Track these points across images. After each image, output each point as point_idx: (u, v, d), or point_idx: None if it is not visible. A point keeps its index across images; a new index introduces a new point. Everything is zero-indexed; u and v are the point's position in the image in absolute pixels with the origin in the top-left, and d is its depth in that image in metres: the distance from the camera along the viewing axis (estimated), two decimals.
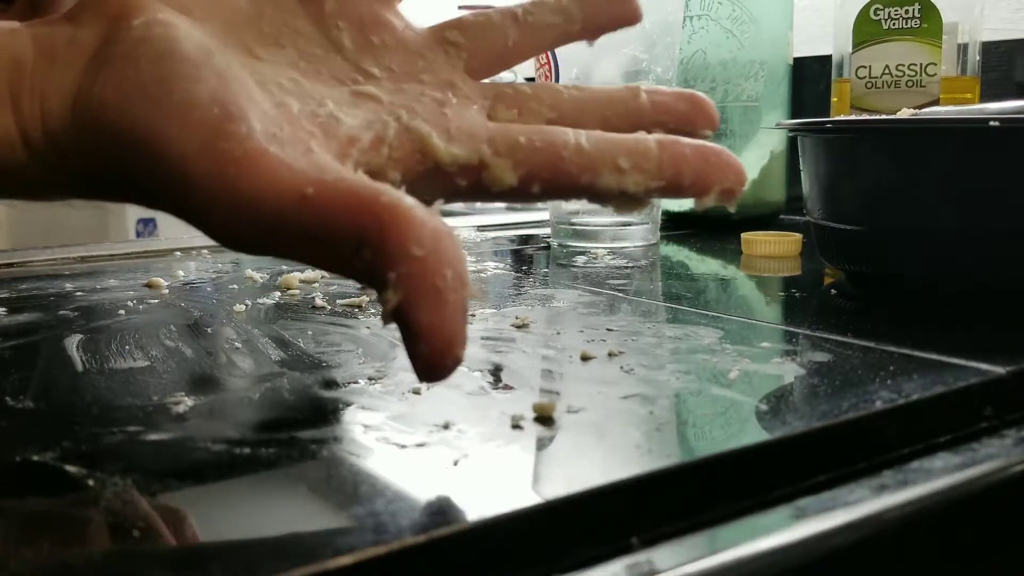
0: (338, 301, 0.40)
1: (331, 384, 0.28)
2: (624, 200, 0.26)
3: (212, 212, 0.22)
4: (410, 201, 0.21)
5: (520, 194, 0.25)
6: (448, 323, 0.20)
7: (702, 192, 0.26)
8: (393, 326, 0.21)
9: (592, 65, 0.55)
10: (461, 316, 0.21)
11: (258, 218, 0.22)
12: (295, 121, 0.24)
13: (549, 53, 0.56)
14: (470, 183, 0.25)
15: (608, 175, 0.25)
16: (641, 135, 0.26)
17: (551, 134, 0.25)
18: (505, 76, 1.01)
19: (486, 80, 0.29)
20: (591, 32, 0.30)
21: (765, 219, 0.68)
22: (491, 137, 0.25)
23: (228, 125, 0.22)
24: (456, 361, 0.21)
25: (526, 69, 0.80)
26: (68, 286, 0.46)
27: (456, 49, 0.28)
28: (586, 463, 0.21)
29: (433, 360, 0.21)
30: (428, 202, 0.28)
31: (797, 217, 0.67)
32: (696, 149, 0.26)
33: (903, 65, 0.58)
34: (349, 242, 0.21)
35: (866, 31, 0.59)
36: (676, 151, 0.25)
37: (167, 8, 0.25)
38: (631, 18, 0.30)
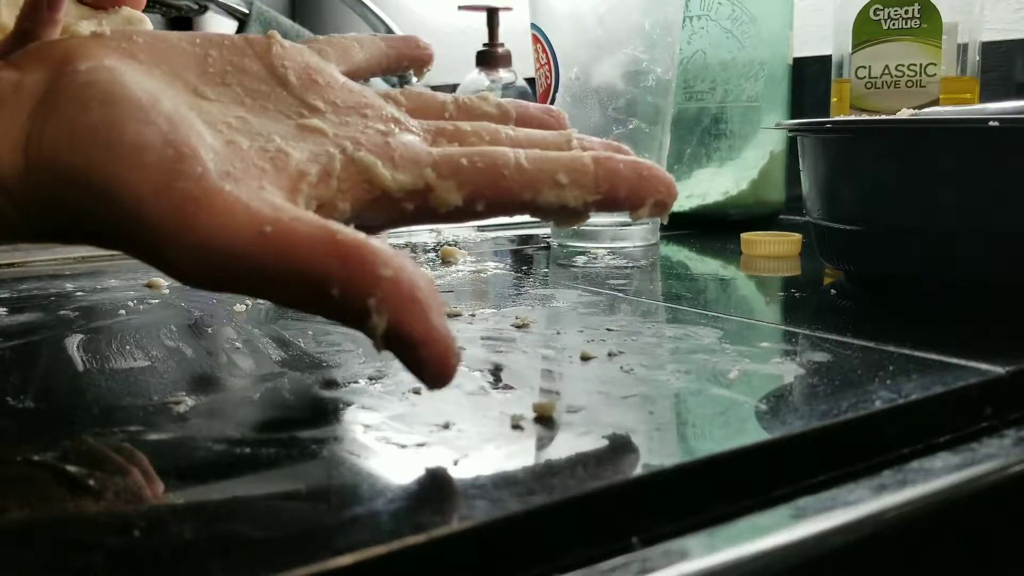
0: None
1: (331, 384, 0.28)
2: (565, 214, 0.27)
3: (169, 252, 0.22)
4: (363, 235, 0.22)
5: (466, 213, 0.27)
6: (440, 326, 0.21)
7: (637, 205, 0.27)
8: None
9: (592, 65, 0.55)
10: (445, 318, 0.22)
11: (217, 257, 0.22)
12: (246, 158, 0.24)
13: (549, 54, 0.56)
14: (417, 207, 0.26)
15: (548, 191, 0.26)
16: (577, 152, 0.27)
17: (491, 155, 0.27)
18: (505, 76, 1.00)
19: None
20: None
21: (765, 219, 0.68)
22: (434, 162, 0.26)
23: (183, 165, 0.22)
24: (458, 359, 0.22)
25: (526, 69, 0.81)
26: (68, 286, 0.46)
27: (396, 102, 0.30)
28: (586, 463, 0.21)
29: (439, 364, 0.21)
30: (377, 229, 0.29)
31: (797, 217, 0.67)
32: (629, 164, 0.27)
33: (903, 65, 0.58)
34: (313, 281, 0.21)
35: (866, 31, 0.59)
36: (610, 166, 0.27)
37: (112, 53, 0.25)
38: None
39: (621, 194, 0.27)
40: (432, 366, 0.21)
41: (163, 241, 0.22)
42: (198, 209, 0.22)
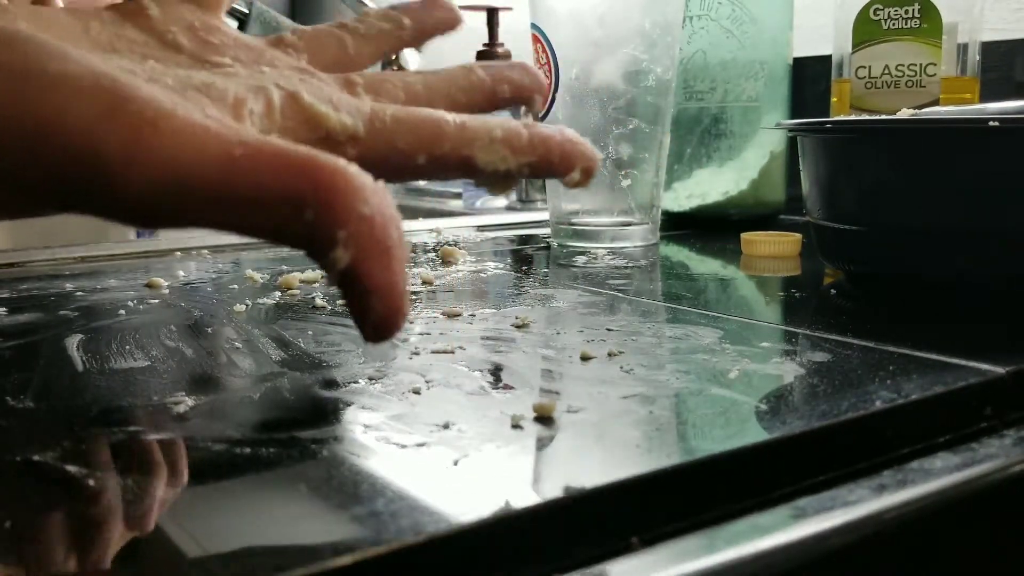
0: (338, 301, 0.40)
1: (331, 384, 0.28)
2: (499, 177, 0.27)
3: (122, 183, 0.20)
4: (344, 161, 0.20)
5: (406, 168, 0.26)
6: (400, 279, 0.20)
7: (567, 170, 0.27)
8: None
9: (592, 65, 0.55)
10: (406, 274, 0.21)
11: (178, 183, 0.20)
12: (181, 91, 0.23)
13: (549, 54, 0.56)
14: (359, 154, 0.25)
15: (485, 149, 0.26)
16: (510, 120, 0.27)
17: (429, 112, 0.26)
18: None
19: None
20: (419, 37, 0.32)
21: (765, 219, 0.68)
22: (373, 109, 0.26)
23: (123, 91, 0.21)
24: (405, 318, 0.21)
25: None
26: (68, 286, 0.46)
27: (295, 50, 0.29)
28: (586, 463, 0.21)
29: (387, 318, 0.21)
30: None
31: (797, 217, 0.67)
32: (559, 131, 0.28)
33: (903, 65, 0.58)
34: (286, 205, 0.20)
35: (866, 31, 0.59)
36: (543, 132, 0.27)
37: None
38: (452, 22, 0.33)
39: (554, 158, 0.27)
40: (379, 317, 0.20)
41: (115, 172, 0.20)
42: (155, 130, 0.20)
